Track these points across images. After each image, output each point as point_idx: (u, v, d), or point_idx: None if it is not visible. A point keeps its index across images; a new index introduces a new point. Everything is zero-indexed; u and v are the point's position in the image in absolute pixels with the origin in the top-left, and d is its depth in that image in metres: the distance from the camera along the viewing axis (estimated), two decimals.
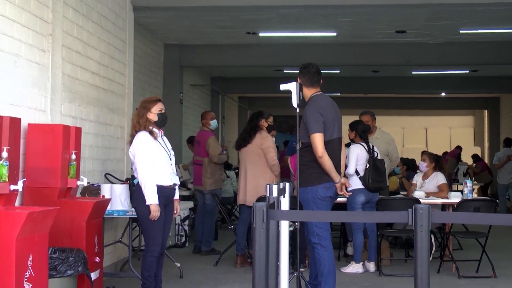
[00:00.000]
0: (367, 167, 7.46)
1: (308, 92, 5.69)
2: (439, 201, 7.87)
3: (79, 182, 5.45)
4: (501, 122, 20.35)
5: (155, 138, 5.52)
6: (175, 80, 12.70)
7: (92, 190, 6.05)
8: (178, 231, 9.42)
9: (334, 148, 5.59)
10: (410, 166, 11.56)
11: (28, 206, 4.95)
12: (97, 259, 5.48)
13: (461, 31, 11.04)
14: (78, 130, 5.53)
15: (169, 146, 5.70)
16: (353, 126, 7.73)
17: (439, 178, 8.24)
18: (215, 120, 8.98)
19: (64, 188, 5.26)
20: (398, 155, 8.71)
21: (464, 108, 22.28)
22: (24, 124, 5.01)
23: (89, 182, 6.09)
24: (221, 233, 10.47)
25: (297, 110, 5.57)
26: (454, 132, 23.79)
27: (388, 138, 8.43)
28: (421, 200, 7.41)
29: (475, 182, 15.71)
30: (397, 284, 6.91)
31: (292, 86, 5.54)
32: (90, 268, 5.11)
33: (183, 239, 9.48)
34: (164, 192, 5.50)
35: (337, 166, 5.60)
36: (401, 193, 9.56)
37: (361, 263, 7.53)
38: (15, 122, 4.45)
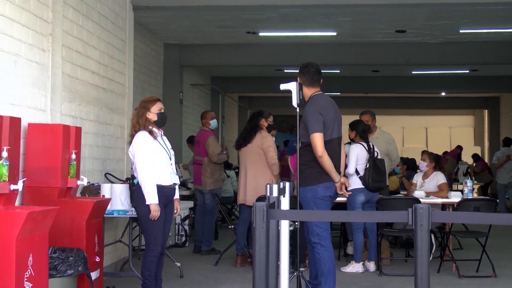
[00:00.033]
0: (367, 166, 7.46)
1: (308, 92, 5.69)
2: (439, 200, 7.87)
3: (79, 182, 5.45)
4: (501, 121, 20.36)
5: (155, 137, 5.52)
6: (175, 80, 12.70)
7: (92, 189, 6.05)
8: (178, 230, 9.42)
9: (334, 147, 5.60)
10: (410, 166, 11.57)
11: (28, 205, 4.95)
12: (97, 259, 5.48)
13: (461, 31, 11.04)
14: (78, 130, 5.53)
15: (169, 146, 5.70)
16: (353, 125, 7.73)
17: (439, 178, 8.24)
18: (215, 120, 8.98)
19: (64, 188, 5.26)
20: (398, 154, 8.71)
21: (464, 108, 22.29)
22: (24, 123, 5.01)
23: (89, 182, 6.09)
24: (221, 232, 10.47)
25: (297, 110, 5.57)
26: (454, 131, 23.79)
27: (388, 137, 8.43)
28: (421, 200, 7.41)
29: (475, 181, 15.72)
30: (397, 284, 6.91)
31: (292, 86, 5.54)
32: (90, 267, 5.11)
33: (183, 238, 9.48)
34: (164, 192, 5.50)
35: (337, 165, 5.60)
36: (401, 192, 9.56)
37: (361, 262, 7.53)
38: (15, 121, 4.45)
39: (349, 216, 5.08)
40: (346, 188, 5.73)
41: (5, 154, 4.22)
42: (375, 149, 7.66)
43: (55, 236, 4.89)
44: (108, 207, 5.95)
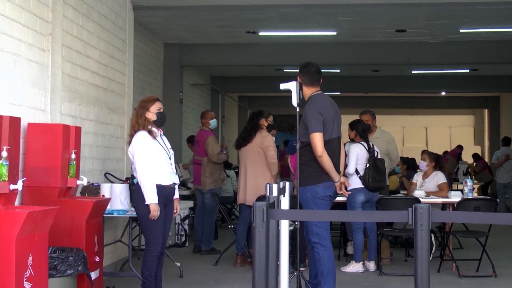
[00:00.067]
0: (367, 166, 7.46)
1: (308, 91, 5.69)
2: (439, 200, 7.87)
3: (79, 182, 5.45)
4: (501, 121, 20.36)
5: (154, 137, 5.52)
6: (175, 80, 12.70)
7: (92, 189, 6.05)
8: (178, 230, 9.42)
9: (333, 147, 5.60)
10: (410, 165, 11.57)
11: (28, 205, 4.95)
12: (97, 259, 5.48)
13: (461, 30, 11.03)
14: (78, 130, 5.53)
15: (169, 146, 5.70)
16: (353, 125, 7.73)
17: (439, 177, 8.24)
18: (214, 120, 8.98)
19: (64, 188, 5.26)
20: (398, 154, 8.71)
21: (464, 107, 22.29)
22: (24, 123, 5.01)
23: (89, 182, 6.09)
24: (221, 232, 10.47)
25: (297, 110, 5.57)
26: (454, 131, 23.79)
27: (388, 137, 8.43)
28: (421, 199, 7.41)
29: (475, 181, 15.72)
30: (397, 284, 6.91)
31: (292, 86, 5.54)
32: (90, 267, 5.11)
33: (183, 238, 9.48)
34: (164, 192, 5.49)
35: (336, 165, 5.60)
36: (401, 192, 9.56)
37: (361, 262, 7.53)
38: (15, 121, 4.45)
39: (349, 216, 5.08)
40: (345, 188, 5.73)
41: (4, 153, 4.22)
42: (375, 148, 7.66)
43: (55, 236, 4.89)
44: (108, 207, 5.95)
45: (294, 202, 5.55)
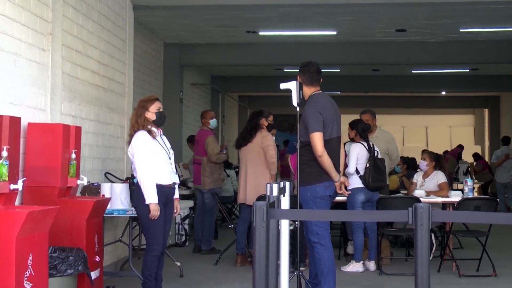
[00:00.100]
0: (368, 166, 7.46)
1: (308, 91, 5.69)
2: (440, 200, 7.87)
3: (79, 181, 5.45)
4: (501, 120, 20.36)
5: (154, 137, 5.52)
6: (175, 79, 12.70)
7: (92, 189, 6.05)
8: (178, 230, 9.42)
9: (333, 147, 5.60)
10: (410, 165, 11.56)
11: (28, 205, 4.95)
12: (97, 258, 5.48)
13: (461, 30, 11.03)
14: (78, 129, 5.53)
15: (168, 145, 5.70)
16: (353, 125, 7.73)
17: (439, 177, 8.23)
18: (214, 119, 8.98)
19: (64, 187, 5.26)
20: (398, 154, 8.71)
21: (464, 107, 22.29)
22: (24, 123, 5.01)
23: (89, 181, 6.08)
24: (221, 232, 10.47)
25: (297, 109, 5.57)
26: (455, 130, 23.78)
27: (388, 137, 8.43)
28: (421, 199, 7.41)
29: (476, 180, 15.72)
30: (398, 283, 6.91)
31: (292, 85, 5.54)
32: (90, 267, 5.11)
33: (183, 238, 9.47)
34: (164, 191, 5.49)
35: (336, 165, 5.60)
36: (401, 192, 9.56)
37: (362, 262, 7.53)
38: (15, 121, 4.45)
39: (349, 215, 5.08)
40: (345, 188, 5.73)
41: (5, 153, 4.22)
42: (375, 148, 7.66)
43: (55, 235, 4.89)
44: (108, 206, 5.94)
45: (294, 202, 5.55)
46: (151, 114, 5.58)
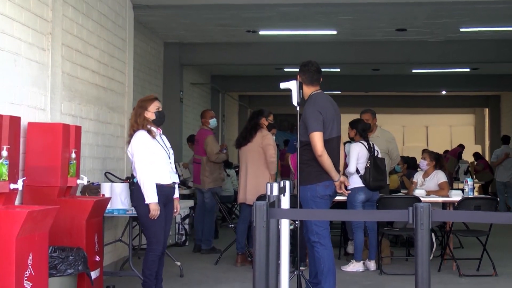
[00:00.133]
0: (368, 165, 7.46)
1: (308, 90, 5.68)
2: (440, 199, 7.86)
3: (79, 181, 5.45)
4: (501, 120, 20.36)
5: (154, 136, 5.51)
6: (175, 79, 12.69)
7: (92, 188, 6.05)
8: (178, 230, 9.42)
9: (333, 146, 5.59)
10: (410, 165, 11.56)
11: (28, 205, 4.94)
12: (97, 258, 5.47)
13: (461, 29, 11.03)
14: (78, 129, 5.52)
15: (168, 145, 5.69)
16: (353, 124, 7.73)
17: (439, 177, 8.23)
18: (214, 119, 8.98)
19: (64, 187, 5.26)
20: (399, 153, 8.71)
21: (465, 106, 22.28)
22: (24, 122, 5.01)
23: (89, 181, 6.08)
24: (222, 232, 10.46)
25: (297, 109, 5.57)
26: (455, 130, 23.78)
27: (389, 136, 8.43)
28: (421, 199, 7.40)
29: (476, 180, 15.73)
30: (398, 283, 6.90)
31: (292, 85, 5.53)
32: (90, 267, 5.11)
33: (184, 238, 9.47)
34: (164, 191, 5.49)
35: (336, 164, 5.60)
36: (401, 191, 9.56)
37: (362, 261, 7.52)
38: (15, 120, 4.44)
39: (349, 215, 5.08)
40: (345, 187, 5.73)
41: (5, 153, 4.21)
42: (375, 147, 7.65)
43: (55, 235, 4.88)
44: (108, 206, 5.94)
45: (294, 201, 5.55)
46: (150, 114, 5.58)
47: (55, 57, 5.81)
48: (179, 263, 7.16)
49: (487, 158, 19.46)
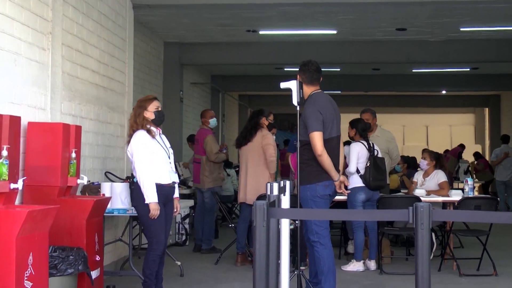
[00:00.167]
0: (368, 165, 7.46)
1: (308, 90, 5.68)
2: (440, 199, 7.86)
3: (79, 181, 5.44)
4: (502, 119, 20.36)
5: (153, 136, 5.51)
6: (175, 78, 12.70)
7: (92, 188, 6.05)
8: (178, 229, 9.42)
9: (333, 146, 5.59)
10: (410, 164, 11.56)
11: (28, 204, 4.94)
12: (97, 258, 5.47)
13: (461, 29, 11.03)
14: (78, 129, 5.52)
15: (168, 145, 5.69)
16: (353, 124, 7.72)
17: (439, 176, 8.23)
18: (214, 119, 8.98)
19: (64, 187, 5.25)
20: (399, 153, 8.70)
21: (465, 106, 22.28)
22: (24, 122, 5.01)
23: (89, 181, 6.08)
24: (222, 231, 10.46)
25: (297, 108, 5.56)
26: (455, 130, 23.78)
27: (389, 136, 8.43)
28: (421, 198, 7.40)
29: (476, 180, 15.73)
30: (398, 282, 6.90)
31: (292, 84, 5.53)
32: (90, 266, 5.11)
33: (184, 237, 9.47)
34: (163, 191, 5.49)
35: (336, 164, 5.59)
36: (401, 191, 9.55)
37: (362, 261, 7.52)
38: (15, 120, 4.44)
39: (349, 214, 5.08)
40: (345, 187, 5.73)
41: (5, 153, 4.21)
42: (375, 147, 7.65)
43: (55, 235, 4.88)
44: (108, 206, 5.94)
45: (294, 201, 5.55)
46: (149, 114, 5.57)
47: (55, 57, 5.81)
48: (179, 263, 7.16)
49: (487, 158, 19.47)
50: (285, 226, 4.80)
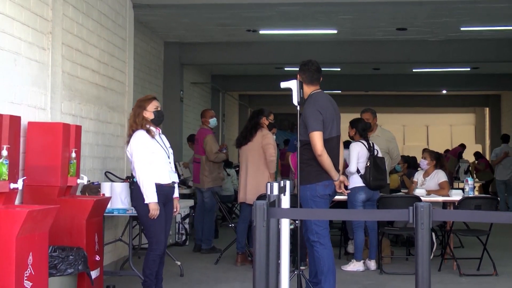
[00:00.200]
0: (368, 165, 7.45)
1: (308, 90, 5.68)
2: (440, 199, 7.86)
3: (79, 181, 5.44)
4: (502, 119, 20.35)
5: (153, 136, 5.51)
6: (176, 78, 12.69)
7: (92, 188, 6.04)
8: (178, 229, 9.42)
9: (333, 146, 5.59)
10: (411, 164, 11.55)
11: (28, 204, 4.94)
12: (97, 258, 5.47)
13: (461, 29, 11.03)
14: (78, 128, 5.52)
15: (167, 144, 5.69)
16: (353, 123, 7.72)
17: (440, 176, 8.23)
18: (214, 118, 8.98)
19: (64, 187, 5.25)
20: (399, 153, 8.70)
21: (465, 106, 22.28)
22: (24, 122, 5.00)
23: (89, 181, 6.08)
24: (222, 231, 10.46)
25: (298, 108, 5.56)
26: (455, 129, 23.78)
27: (389, 136, 8.43)
28: (422, 198, 7.40)
29: (477, 179, 15.73)
30: (398, 282, 6.90)
31: (292, 84, 5.53)
32: (90, 266, 5.10)
33: (184, 237, 9.47)
34: (163, 190, 5.49)
35: (335, 164, 5.59)
36: (402, 191, 9.55)
37: (362, 261, 7.52)
38: (15, 120, 4.44)
39: (350, 214, 5.07)
40: (345, 187, 5.72)
41: (5, 152, 4.21)
42: (375, 147, 7.65)
43: (55, 235, 4.88)
44: (108, 205, 5.94)
45: (294, 201, 5.54)
46: (149, 113, 5.57)
47: (55, 57, 5.81)
48: (179, 263, 7.16)
49: (487, 158, 19.47)
50: (285, 226, 4.80)
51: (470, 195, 7.87)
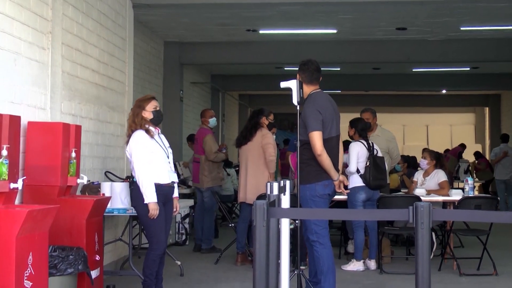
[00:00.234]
0: (368, 164, 7.45)
1: (307, 89, 5.67)
2: (440, 198, 7.86)
3: (79, 180, 5.44)
4: (502, 119, 20.35)
5: (152, 136, 5.51)
6: (175, 78, 12.69)
7: (92, 188, 6.04)
8: (178, 229, 9.42)
9: (332, 145, 5.59)
10: (411, 164, 11.55)
11: (28, 204, 4.94)
12: (97, 257, 5.47)
13: (461, 28, 11.02)
14: (78, 128, 5.52)
15: (167, 144, 5.69)
16: (353, 123, 7.72)
17: (440, 176, 8.22)
18: (214, 118, 8.98)
19: (64, 186, 5.25)
20: (399, 152, 8.70)
21: (465, 106, 22.28)
22: (24, 122, 5.00)
23: (89, 180, 6.07)
24: (222, 231, 10.46)
25: (297, 108, 5.56)
26: (455, 129, 23.78)
27: (389, 135, 8.43)
28: (422, 198, 7.40)
29: (476, 179, 15.73)
30: (398, 282, 6.90)
31: (292, 84, 5.53)
32: (90, 266, 5.10)
33: (184, 237, 9.47)
34: (163, 190, 5.48)
35: (335, 163, 5.59)
36: (402, 190, 9.55)
37: (362, 261, 7.52)
38: (14, 120, 4.44)
39: (350, 214, 5.07)
40: (345, 186, 5.72)
41: (4, 152, 4.21)
42: (375, 146, 7.65)
43: (55, 234, 4.88)
44: (108, 205, 5.93)
45: (294, 201, 5.54)
46: (148, 113, 5.57)
47: (55, 56, 5.81)
48: (179, 263, 7.16)
49: (487, 157, 19.47)
50: (285, 225, 4.80)
51: (470, 195, 7.87)
